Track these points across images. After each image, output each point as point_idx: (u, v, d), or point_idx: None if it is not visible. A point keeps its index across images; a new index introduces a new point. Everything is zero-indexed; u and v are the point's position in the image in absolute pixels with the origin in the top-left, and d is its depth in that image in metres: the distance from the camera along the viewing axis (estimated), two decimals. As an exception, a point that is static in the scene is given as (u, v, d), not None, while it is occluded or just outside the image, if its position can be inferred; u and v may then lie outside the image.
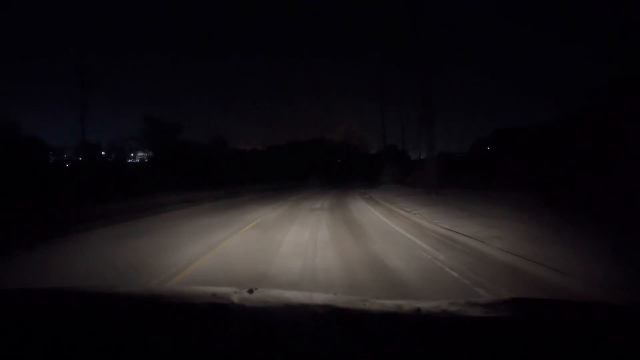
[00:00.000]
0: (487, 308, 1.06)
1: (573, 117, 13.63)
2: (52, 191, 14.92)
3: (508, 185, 11.71)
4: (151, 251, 5.74)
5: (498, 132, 27.20)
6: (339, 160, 62.43)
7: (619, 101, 11.33)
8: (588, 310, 1.19)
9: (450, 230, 6.19)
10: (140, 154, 45.40)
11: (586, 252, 3.82)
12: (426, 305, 1.08)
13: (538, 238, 4.81)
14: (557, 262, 3.65)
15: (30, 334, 0.92)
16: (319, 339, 0.88)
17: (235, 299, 1.16)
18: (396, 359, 0.79)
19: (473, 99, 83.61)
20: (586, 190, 8.04)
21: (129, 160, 44.11)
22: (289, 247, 5.58)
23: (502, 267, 4.05)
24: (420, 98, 13.65)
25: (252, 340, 0.87)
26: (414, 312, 1.03)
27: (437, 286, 3.57)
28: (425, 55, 13.84)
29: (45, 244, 6.77)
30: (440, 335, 0.93)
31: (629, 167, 8.12)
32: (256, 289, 1.26)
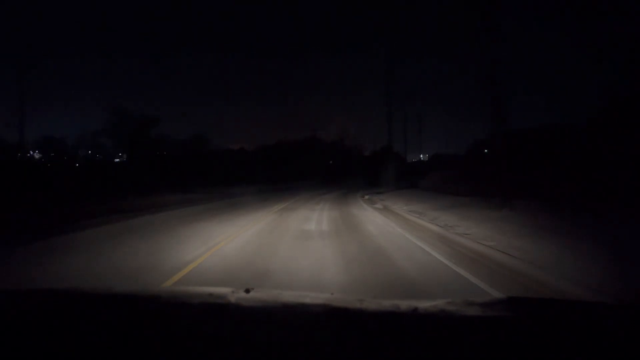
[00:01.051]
0: (484, 307, 1.03)
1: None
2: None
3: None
4: None
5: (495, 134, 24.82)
6: (331, 162, 57.70)
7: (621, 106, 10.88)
8: (585, 310, 1.18)
9: None
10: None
11: None
12: (423, 304, 1.04)
13: None
14: None
15: (28, 334, 0.87)
16: (316, 338, 0.84)
17: (232, 298, 1.11)
18: (393, 358, 0.76)
19: (467, 101, 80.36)
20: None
21: (116, 160, 38.56)
22: None
23: None
24: (487, 59, 8.60)
25: (249, 339, 0.84)
26: (411, 311, 1.00)
27: None
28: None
29: None
30: (438, 334, 0.89)
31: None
32: (253, 288, 1.20)
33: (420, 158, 66.05)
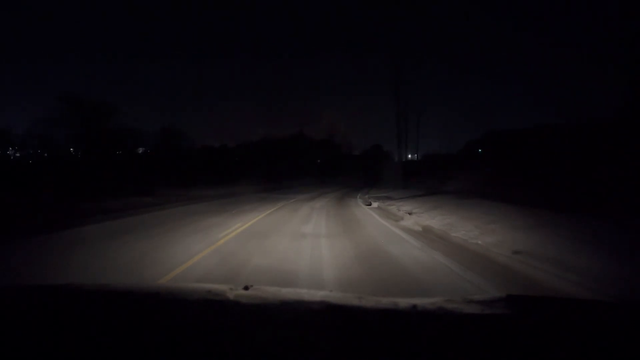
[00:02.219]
0: (482, 305, 1.00)
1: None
2: None
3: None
4: None
5: (491, 133, 26.02)
6: (319, 160, 52.44)
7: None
8: (584, 308, 1.14)
9: None
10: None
11: None
12: (422, 302, 1.00)
13: None
14: None
15: (26, 331, 0.83)
16: (315, 335, 0.81)
17: (231, 295, 1.08)
18: (392, 354, 0.73)
19: (459, 101, 76.88)
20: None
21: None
22: None
23: None
24: None
25: (247, 335, 0.81)
26: (409, 308, 0.96)
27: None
28: None
29: None
30: (436, 331, 0.86)
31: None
32: (252, 285, 1.16)
33: (409, 157, 61.86)
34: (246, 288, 1.13)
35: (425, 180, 19.69)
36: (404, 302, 1.00)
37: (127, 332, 0.82)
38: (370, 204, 12.38)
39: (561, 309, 1.08)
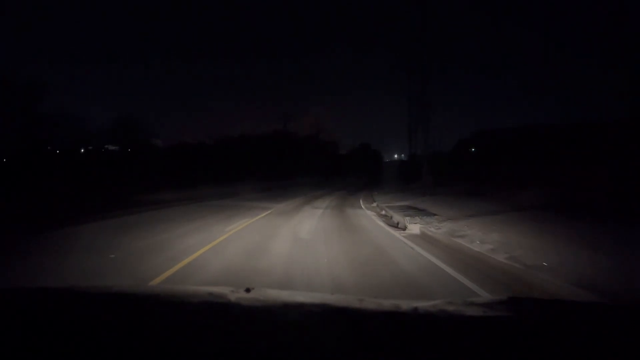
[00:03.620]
0: (484, 307, 0.97)
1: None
2: None
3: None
4: None
5: (480, 133, 25.12)
6: (304, 160, 46.65)
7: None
8: (585, 310, 1.11)
9: None
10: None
11: None
12: (424, 304, 0.97)
13: None
14: None
15: (27, 334, 0.78)
16: (316, 338, 0.78)
17: (232, 297, 1.04)
18: (394, 357, 0.70)
19: (454, 100, 73.22)
20: None
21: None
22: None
23: None
24: None
25: (248, 338, 0.77)
26: (411, 311, 0.93)
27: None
28: None
29: None
30: (438, 334, 0.82)
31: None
32: (253, 288, 1.10)
33: (394, 157, 57.69)
34: (247, 290, 1.08)
35: (435, 183, 13.87)
36: (405, 304, 0.96)
37: (128, 334, 0.78)
38: (403, 227, 6.60)
39: (563, 311, 1.05)
